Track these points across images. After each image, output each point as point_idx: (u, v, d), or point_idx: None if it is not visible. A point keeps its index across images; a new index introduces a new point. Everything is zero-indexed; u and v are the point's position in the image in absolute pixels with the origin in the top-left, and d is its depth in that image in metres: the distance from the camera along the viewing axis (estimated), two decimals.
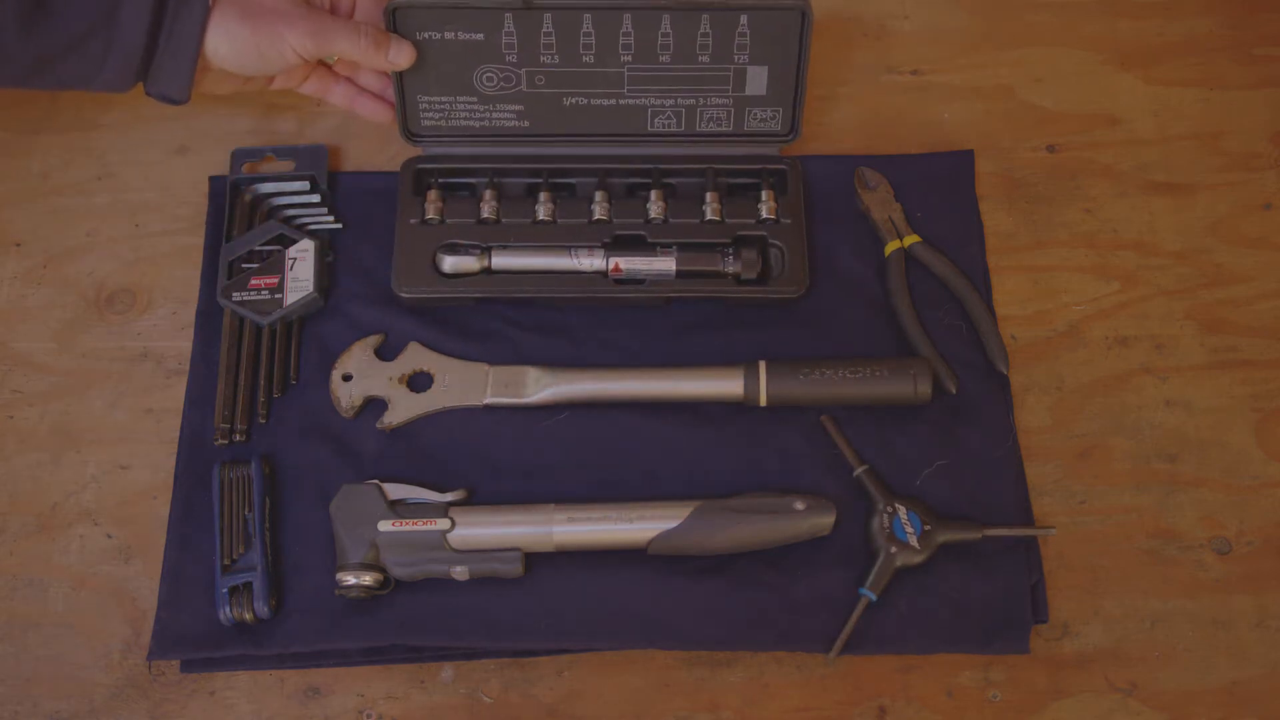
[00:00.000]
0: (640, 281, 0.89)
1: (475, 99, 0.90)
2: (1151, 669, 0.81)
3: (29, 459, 0.87)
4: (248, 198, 0.93)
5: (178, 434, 0.86)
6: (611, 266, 0.89)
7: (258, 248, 0.91)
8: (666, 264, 0.89)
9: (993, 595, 0.81)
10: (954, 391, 0.86)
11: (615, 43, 0.86)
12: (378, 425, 0.85)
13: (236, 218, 0.92)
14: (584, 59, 0.87)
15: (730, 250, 0.89)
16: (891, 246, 0.91)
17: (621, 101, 0.90)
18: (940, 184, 0.95)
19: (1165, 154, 0.98)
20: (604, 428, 0.86)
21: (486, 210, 0.90)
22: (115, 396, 0.89)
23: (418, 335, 0.89)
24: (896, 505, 0.81)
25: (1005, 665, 0.81)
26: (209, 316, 0.90)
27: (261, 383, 0.87)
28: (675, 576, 0.81)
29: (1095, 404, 0.89)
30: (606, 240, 0.90)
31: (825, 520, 0.81)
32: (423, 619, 0.80)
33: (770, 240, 0.90)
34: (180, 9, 0.77)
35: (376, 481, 0.82)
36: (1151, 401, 0.89)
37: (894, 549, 0.80)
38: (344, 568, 0.79)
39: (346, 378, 0.87)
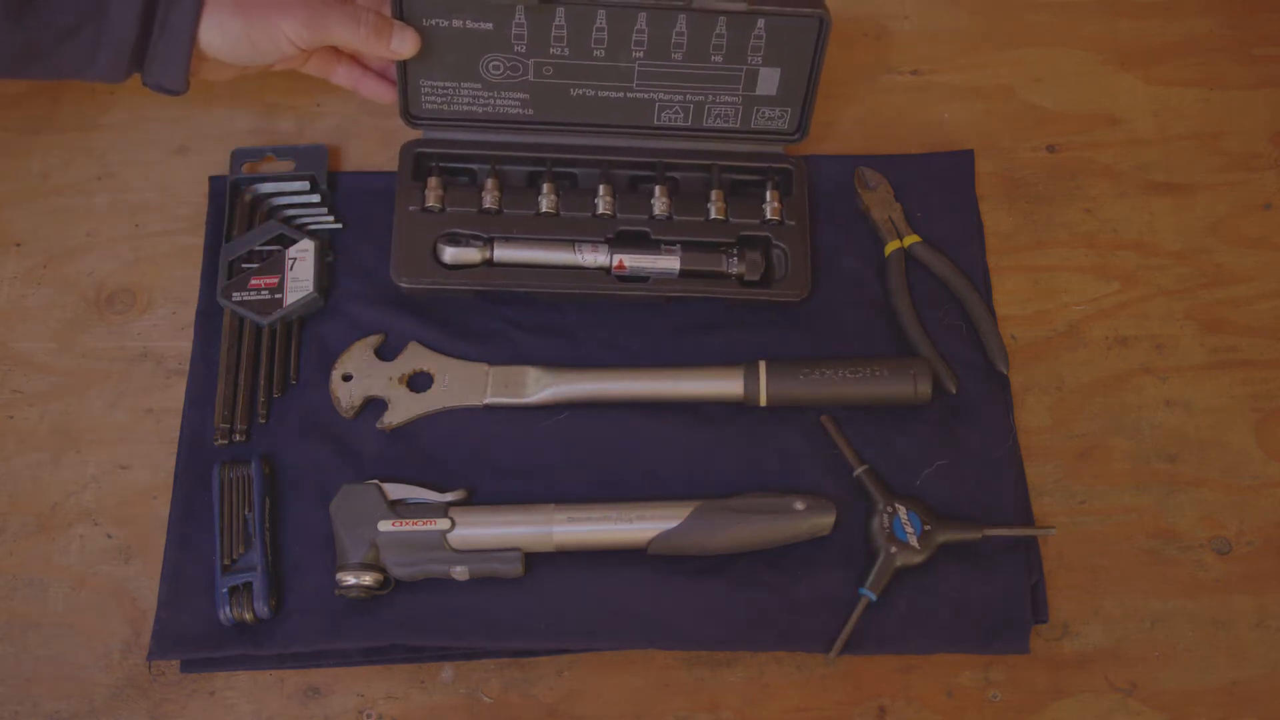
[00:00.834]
0: (643, 279, 0.89)
1: (479, 85, 0.89)
2: (1151, 669, 0.81)
3: (29, 459, 0.87)
4: (248, 198, 0.93)
5: (178, 434, 0.86)
6: (615, 263, 0.88)
7: (258, 248, 0.91)
8: (671, 262, 0.88)
9: (993, 595, 0.81)
10: (954, 391, 0.86)
11: (628, 39, 0.85)
12: (378, 425, 0.85)
13: (236, 218, 0.92)
14: (594, 53, 0.86)
15: (734, 251, 0.89)
16: (891, 246, 0.91)
17: (629, 95, 0.89)
18: (940, 184, 0.95)
19: (1165, 154, 0.98)
20: (604, 428, 0.86)
21: (488, 200, 0.89)
22: (115, 396, 0.89)
23: (418, 335, 0.89)
24: (896, 505, 0.82)
25: (1005, 665, 0.81)
26: (209, 316, 0.90)
27: (261, 383, 0.87)
28: (675, 576, 0.81)
29: (1095, 404, 0.89)
30: (610, 235, 0.89)
31: (825, 520, 0.81)
32: (423, 619, 0.80)
33: (774, 242, 0.90)
34: (172, 2, 0.76)
35: (376, 481, 0.82)
36: (1151, 401, 0.89)
37: (894, 549, 0.80)
38: (344, 568, 0.79)
39: (346, 378, 0.87)
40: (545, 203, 0.90)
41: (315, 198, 0.93)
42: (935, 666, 0.81)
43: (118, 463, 0.87)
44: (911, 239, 0.92)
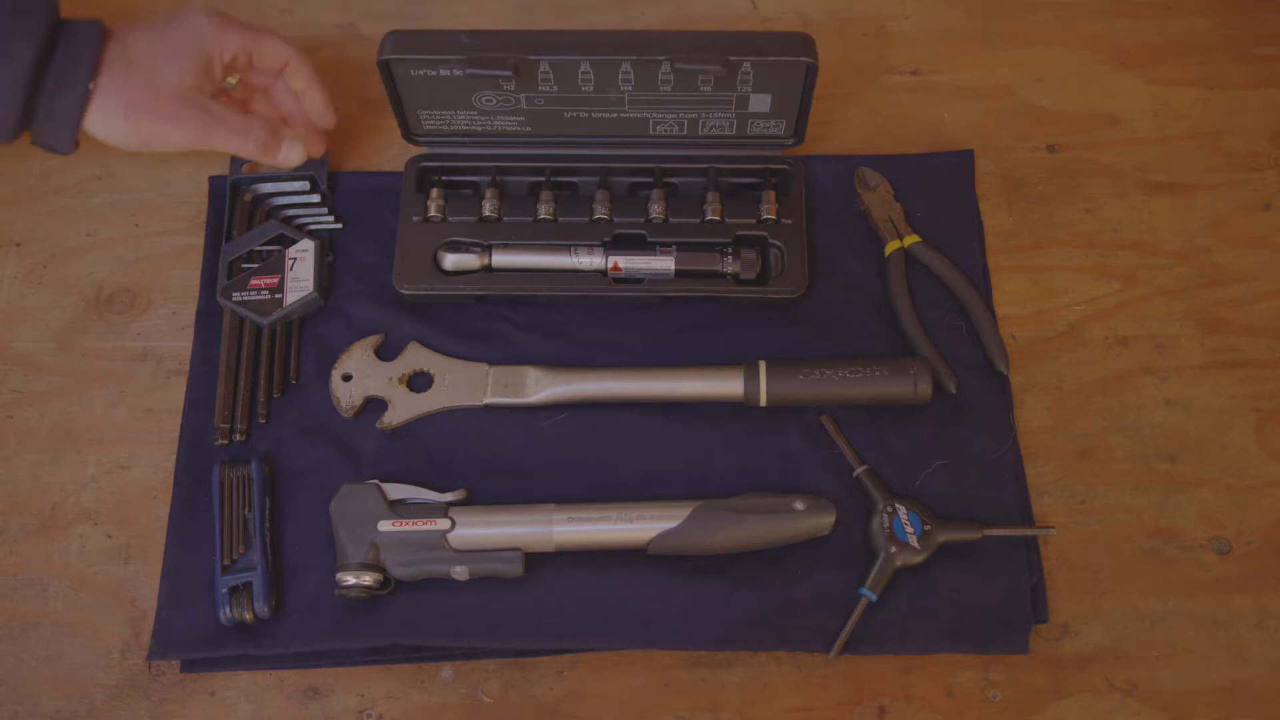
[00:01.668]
0: (639, 281, 0.89)
1: (475, 113, 0.90)
2: (1151, 669, 0.81)
3: (29, 459, 0.87)
4: (248, 198, 0.93)
5: (178, 434, 0.87)
6: (611, 265, 0.89)
7: (258, 248, 0.91)
8: (665, 263, 0.89)
9: (992, 595, 0.81)
10: (954, 391, 0.86)
11: (614, 79, 0.86)
12: (378, 425, 0.86)
13: (236, 218, 0.92)
14: (583, 89, 0.87)
15: (729, 250, 0.89)
16: (891, 246, 0.91)
17: (622, 115, 0.90)
18: (940, 184, 0.95)
19: (1165, 154, 0.98)
20: (604, 428, 0.86)
21: (488, 208, 0.90)
22: (115, 396, 0.89)
23: (418, 335, 0.89)
24: (896, 505, 0.82)
25: (1005, 665, 0.81)
26: (209, 316, 0.90)
27: (261, 383, 0.87)
28: (675, 576, 0.81)
29: (1095, 404, 0.89)
30: (606, 239, 0.90)
31: (825, 520, 0.81)
32: (423, 619, 0.80)
33: (770, 240, 0.90)
34: (57, 93, 0.75)
35: (376, 481, 0.82)
36: (1151, 401, 0.89)
37: (894, 549, 0.80)
38: (344, 568, 0.79)
39: (346, 378, 0.87)
40: (543, 210, 0.90)
41: (315, 198, 0.93)
42: (935, 666, 0.81)
43: (118, 463, 0.87)
44: (911, 239, 0.91)
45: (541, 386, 0.86)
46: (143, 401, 0.89)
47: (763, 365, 0.85)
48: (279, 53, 0.85)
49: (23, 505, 0.86)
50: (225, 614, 0.79)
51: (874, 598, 0.80)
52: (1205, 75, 1.01)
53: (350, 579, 0.79)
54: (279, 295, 0.88)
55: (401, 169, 0.93)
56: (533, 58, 0.84)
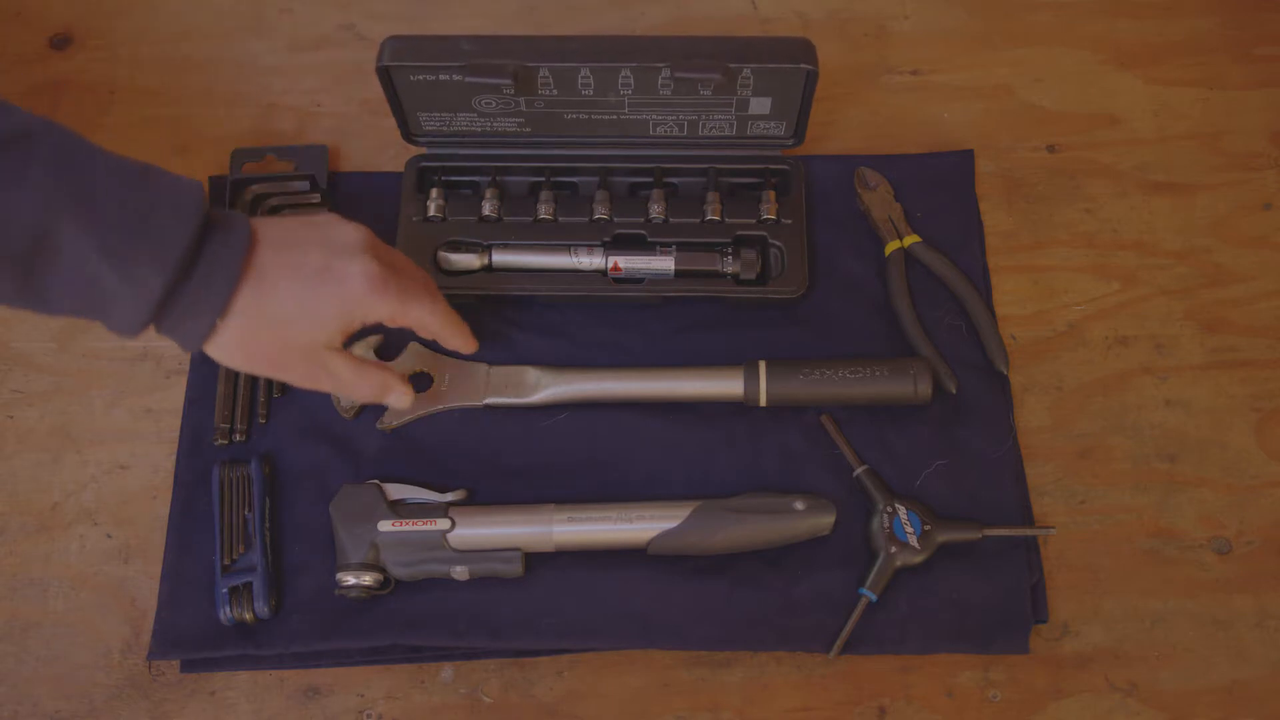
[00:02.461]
0: (639, 281, 0.89)
1: (475, 114, 0.90)
2: (1151, 669, 0.81)
3: (29, 459, 0.87)
4: (248, 197, 0.93)
5: (178, 434, 0.86)
6: (611, 265, 0.89)
7: None
8: (665, 263, 0.89)
9: (992, 595, 0.81)
10: (954, 391, 0.86)
11: (614, 83, 0.86)
12: (378, 426, 0.85)
13: None
14: (583, 93, 0.87)
15: (729, 250, 0.89)
16: (891, 246, 0.91)
17: (622, 116, 0.90)
18: (940, 184, 0.95)
19: (1165, 154, 0.98)
20: (604, 428, 0.86)
21: (488, 208, 0.90)
22: (115, 396, 0.89)
23: (418, 336, 0.89)
24: (896, 505, 0.82)
25: (1005, 665, 0.81)
26: None
27: (261, 383, 0.87)
28: (675, 576, 0.81)
29: (1095, 404, 0.89)
30: (606, 239, 0.90)
31: (825, 520, 0.81)
32: (423, 619, 0.80)
33: (770, 240, 0.90)
34: (183, 318, 0.67)
35: (376, 481, 0.82)
36: (1151, 401, 0.89)
37: (894, 549, 0.80)
38: (344, 568, 0.79)
39: None
40: (543, 210, 0.90)
41: (315, 198, 0.93)
42: (935, 666, 0.81)
43: (118, 463, 0.87)
44: (911, 239, 0.91)
45: (541, 387, 0.86)
46: (143, 401, 0.89)
47: (763, 365, 0.85)
48: (426, 325, 0.77)
49: (23, 505, 0.86)
50: (225, 614, 0.79)
51: (874, 598, 0.80)
52: (1205, 75, 1.01)
53: (350, 579, 0.79)
54: None
55: (401, 169, 0.93)
56: (532, 64, 0.84)
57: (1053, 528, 0.83)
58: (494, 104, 0.88)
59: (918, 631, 0.80)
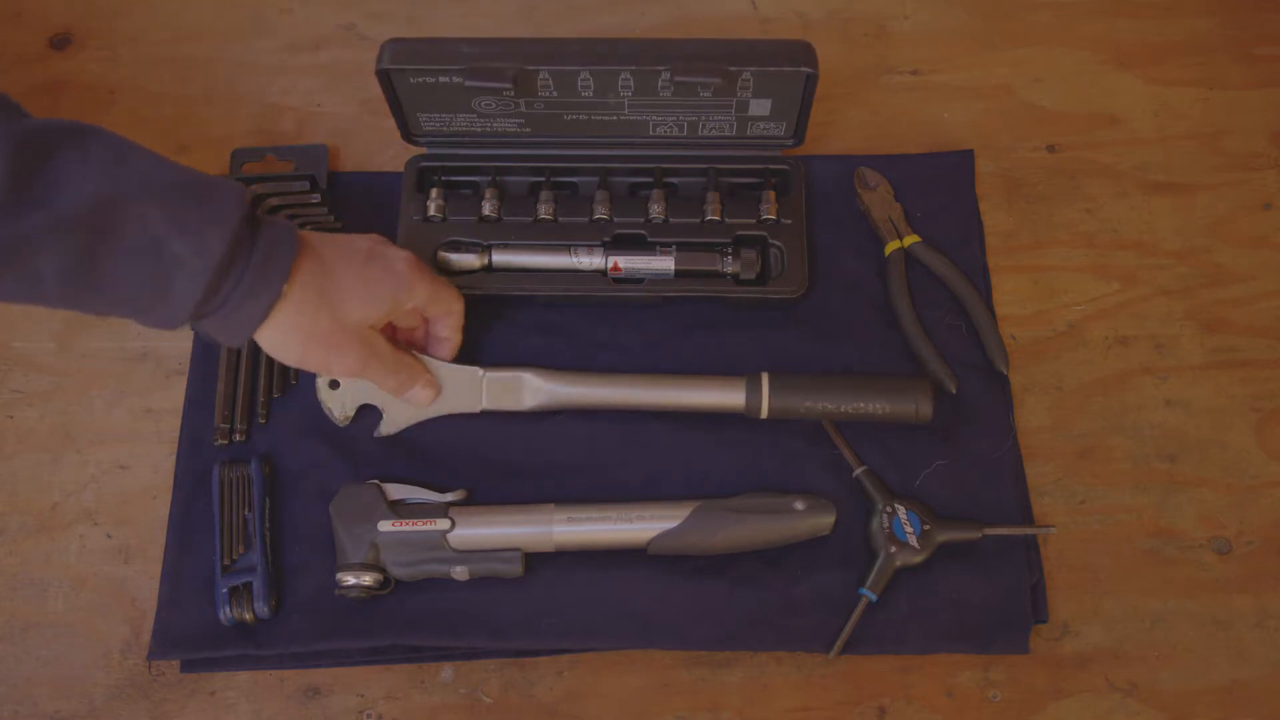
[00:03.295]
0: (639, 281, 0.89)
1: (475, 115, 0.90)
2: (1151, 669, 0.81)
3: (29, 459, 0.87)
4: (248, 197, 0.92)
5: (178, 434, 0.86)
6: (610, 265, 0.89)
7: None
8: (665, 263, 0.89)
9: (992, 595, 0.81)
10: (954, 391, 0.86)
11: (614, 85, 0.86)
12: (375, 435, 0.85)
13: None
14: (583, 95, 0.87)
15: (729, 250, 0.89)
16: (891, 246, 0.91)
17: (622, 117, 0.90)
18: (940, 184, 0.95)
19: (1165, 154, 0.98)
20: (604, 428, 0.86)
21: (488, 208, 0.90)
22: (115, 396, 0.89)
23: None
24: (896, 505, 0.82)
25: (1005, 665, 0.81)
26: None
27: (261, 383, 0.87)
28: (675, 576, 0.81)
29: (1095, 404, 0.89)
30: (606, 239, 0.90)
31: (825, 520, 0.81)
32: (423, 619, 0.80)
33: (770, 240, 0.90)
34: (244, 300, 0.69)
35: (376, 481, 0.82)
36: (1151, 401, 0.89)
37: (894, 549, 0.80)
38: (344, 568, 0.79)
39: (334, 385, 0.85)
40: (543, 210, 0.90)
41: (315, 197, 0.93)
42: (935, 666, 0.81)
43: (118, 463, 0.87)
44: (911, 239, 0.91)
45: (539, 394, 0.85)
46: (143, 401, 0.89)
47: (765, 379, 0.84)
48: (453, 308, 0.82)
49: (23, 505, 0.86)
50: (225, 614, 0.79)
51: (874, 598, 0.80)
52: (1205, 75, 1.01)
53: (350, 579, 0.79)
54: None
55: (401, 169, 0.93)
56: (532, 68, 0.84)
57: (1053, 527, 0.83)
58: (494, 105, 0.88)
59: (918, 631, 0.80)
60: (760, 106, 0.88)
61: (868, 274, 0.92)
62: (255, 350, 0.88)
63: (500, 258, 0.89)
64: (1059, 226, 0.95)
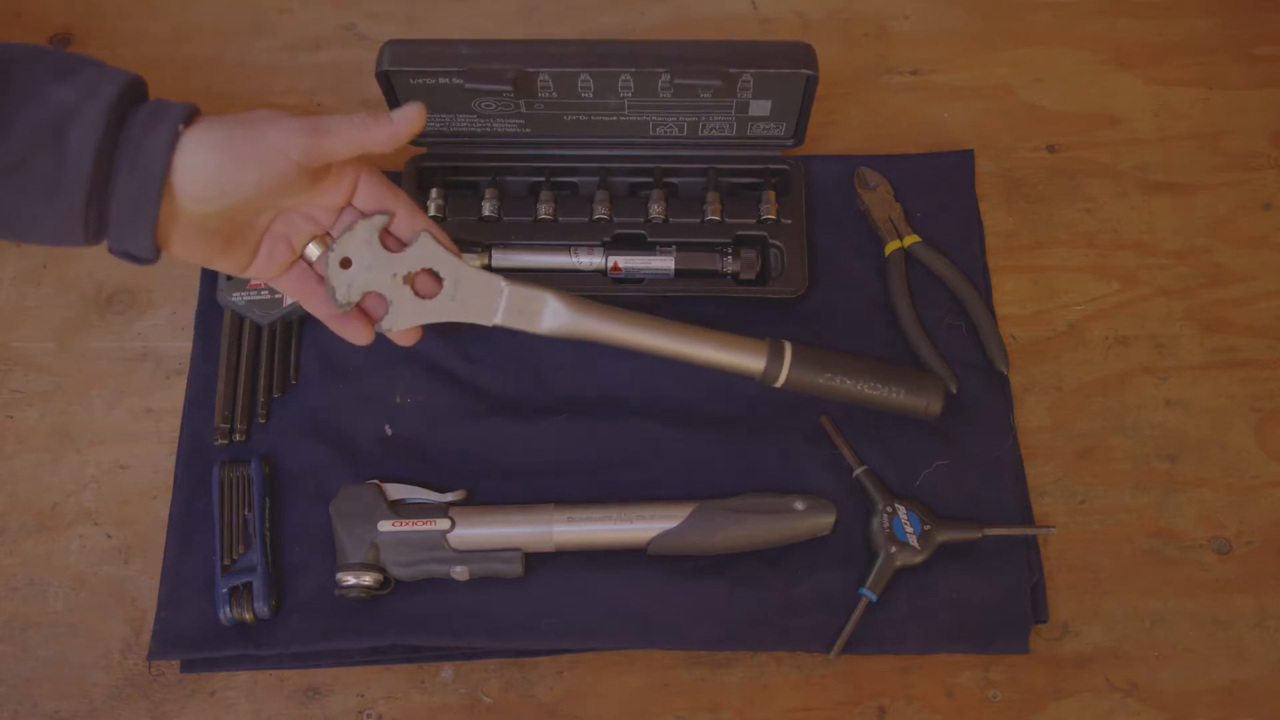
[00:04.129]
0: (639, 281, 0.89)
1: (475, 116, 0.90)
2: (1151, 669, 0.81)
3: (29, 459, 0.87)
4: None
5: (178, 434, 0.86)
6: (610, 265, 0.89)
7: None
8: (665, 263, 0.89)
9: (992, 595, 0.81)
10: (954, 391, 0.86)
11: (614, 87, 0.86)
12: (376, 328, 0.77)
13: None
14: (583, 96, 0.87)
15: (729, 250, 0.89)
16: (891, 246, 0.91)
17: (622, 118, 0.90)
18: (940, 184, 0.95)
19: (1165, 154, 0.98)
20: (604, 428, 0.86)
21: (488, 208, 0.90)
22: (115, 396, 0.89)
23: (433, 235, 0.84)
24: (896, 505, 0.82)
25: (1005, 665, 0.81)
26: (209, 316, 0.90)
27: (261, 383, 0.87)
28: (675, 576, 0.81)
29: (1095, 404, 0.89)
30: (606, 239, 0.90)
31: (825, 520, 0.81)
32: (423, 619, 0.80)
33: (770, 240, 0.90)
34: (145, 132, 0.62)
35: (376, 481, 0.82)
36: (1151, 401, 0.89)
37: (894, 549, 0.80)
38: (344, 568, 0.79)
39: (345, 263, 0.73)
40: (543, 210, 0.90)
41: None
42: (935, 666, 0.81)
43: (118, 463, 0.87)
44: (911, 239, 0.91)
45: (558, 317, 0.77)
46: (143, 401, 0.89)
47: (788, 349, 0.81)
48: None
49: (23, 505, 0.86)
50: (225, 614, 0.79)
51: (874, 598, 0.80)
52: (1205, 75, 1.01)
53: (350, 579, 0.79)
54: (279, 295, 0.88)
55: (401, 169, 0.93)
56: (532, 70, 0.84)
57: (1053, 527, 0.83)
58: (494, 106, 0.88)
59: (918, 631, 0.80)
60: (760, 107, 0.88)
61: (868, 274, 0.92)
62: (255, 350, 0.88)
63: (500, 258, 0.89)
64: (1059, 226, 0.95)
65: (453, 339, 0.89)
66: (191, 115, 0.65)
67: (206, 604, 0.80)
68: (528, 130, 0.91)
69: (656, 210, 0.90)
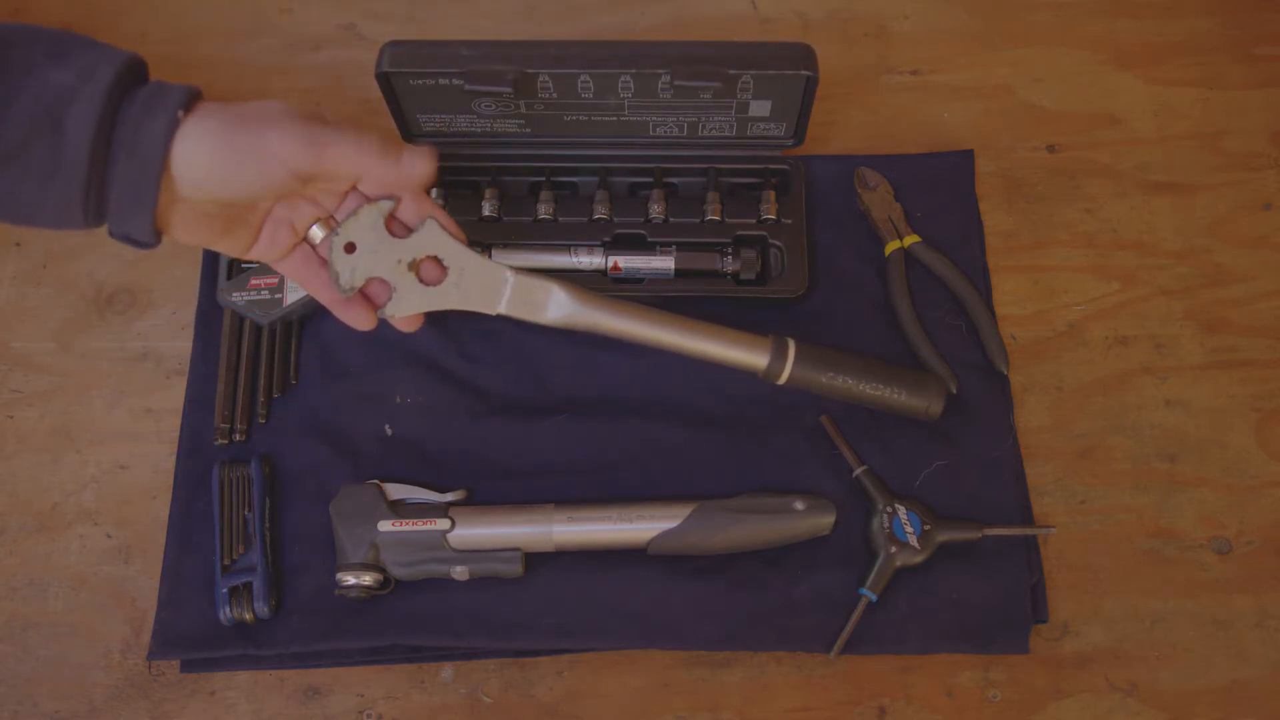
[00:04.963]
0: (639, 280, 0.89)
1: (475, 116, 0.90)
2: (1151, 669, 0.81)
3: (29, 459, 0.87)
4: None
5: (178, 434, 0.87)
6: (611, 265, 0.89)
7: None
8: (665, 263, 0.89)
9: (992, 595, 0.81)
10: (954, 391, 0.86)
11: (614, 87, 0.86)
12: (379, 314, 0.76)
13: None
14: (583, 96, 0.87)
15: (729, 250, 0.89)
16: (891, 246, 0.91)
17: (622, 119, 0.90)
18: (940, 184, 0.95)
19: (1165, 154, 0.98)
20: (604, 428, 0.86)
21: (488, 209, 0.90)
22: (115, 396, 0.89)
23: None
24: (896, 505, 0.82)
25: (1005, 665, 0.81)
26: (209, 316, 0.90)
27: (261, 383, 0.87)
28: (675, 576, 0.81)
29: (1095, 404, 0.89)
30: (606, 239, 0.90)
31: (825, 520, 0.81)
32: (423, 619, 0.80)
33: (770, 240, 0.90)
34: (144, 117, 0.62)
35: (376, 481, 0.82)
36: (1151, 401, 0.89)
37: (894, 549, 0.80)
38: (344, 568, 0.79)
39: (350, 248, 0.73)
40: (543, 210, 0.90)
41: None
42: (935, 666, 0.81)
43: (118, 463, 0.87)
44: (911, 239, 0.91)
45: (562, 308, 0.77)
46: (143, 401, 0.89)
47: (792, 346, 0.81)
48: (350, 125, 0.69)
49: (23, 505, 0.86)
50: (225, 614, 0.79)
51: (874, 598, 0.80)
52: (1205, 75, 1.01)
53: (350, 579, 0.79)
54: (279, 295, 0.88)
55: None
56: (531, 71, 0.84)
57: (1053, 527, 0.83)
58: (494, 106, 0.88)
59: (918, 631, 0.80)
60: (760, 108, 0.88)
61: (868, 274, 0.92)
62: (255, 350, 0.88)
63: (500, 258, 0.89)
64: (1059, 226, 0.95)
65: (453, 338, 0.89)
66: (192, 100, 0.64)
67: (206, 604, 0.80)
68: (528, 130, 0.91)
69: (656, 210, 0.90)
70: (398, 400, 0.87)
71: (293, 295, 0.88)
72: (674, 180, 0.93)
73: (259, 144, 0.64)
